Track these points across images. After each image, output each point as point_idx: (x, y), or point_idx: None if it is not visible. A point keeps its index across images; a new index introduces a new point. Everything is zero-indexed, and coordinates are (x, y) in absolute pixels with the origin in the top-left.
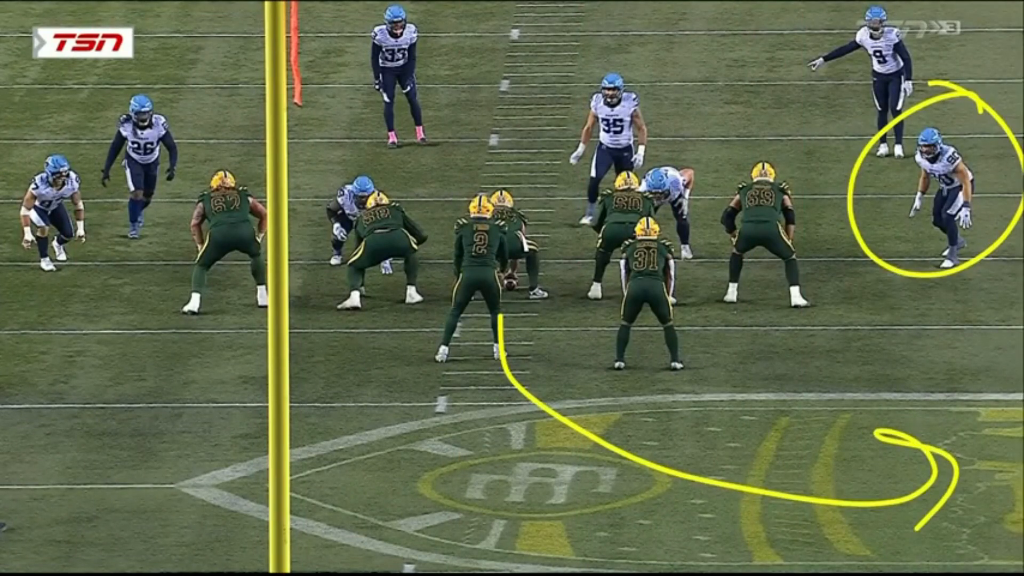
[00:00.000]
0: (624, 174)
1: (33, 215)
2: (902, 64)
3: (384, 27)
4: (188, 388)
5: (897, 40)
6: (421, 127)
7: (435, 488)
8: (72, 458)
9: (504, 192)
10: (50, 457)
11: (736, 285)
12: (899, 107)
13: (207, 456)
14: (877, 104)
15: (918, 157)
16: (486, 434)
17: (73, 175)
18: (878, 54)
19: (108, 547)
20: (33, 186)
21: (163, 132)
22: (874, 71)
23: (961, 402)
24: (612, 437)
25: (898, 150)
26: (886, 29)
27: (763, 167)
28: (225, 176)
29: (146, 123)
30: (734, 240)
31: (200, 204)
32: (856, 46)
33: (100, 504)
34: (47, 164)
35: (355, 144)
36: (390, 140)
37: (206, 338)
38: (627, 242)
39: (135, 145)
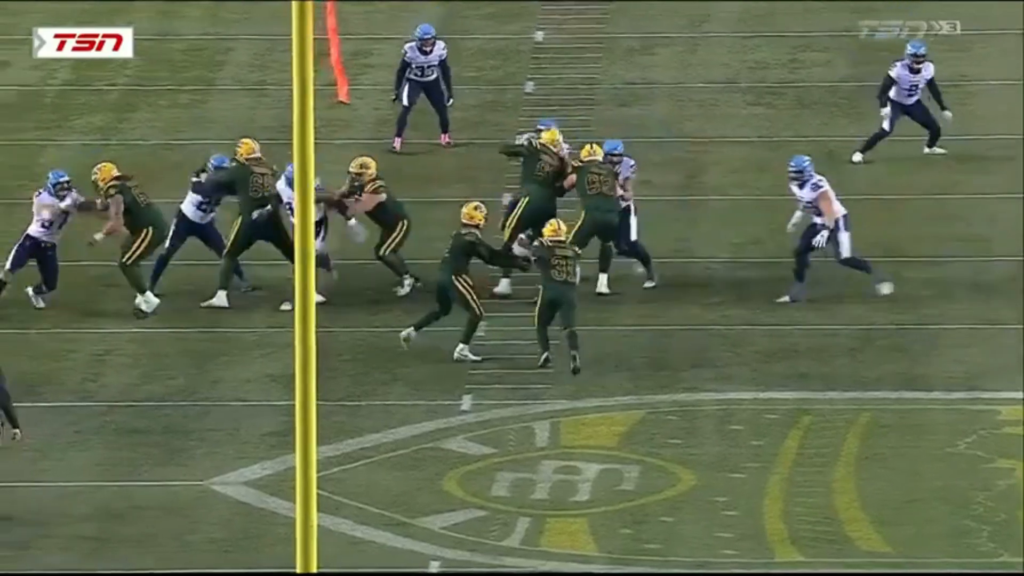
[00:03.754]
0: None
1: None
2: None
3: (414, 44)
4: (216, 386)
5: (931, 75)
6: (447, 134)
7: (460, 486)
8: (101, 455)
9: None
10: (80, 454)
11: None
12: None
13: (235, 454)
14: (887, 126)
15: (789, 182)
16: (511, 432)
17: (74, 190)
18: (913, 88)
19: (137, 544)
20: (37, 194)
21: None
22: (894, 100)
23: (981, 400)
24: (637, 436)
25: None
26: (924, 64)
27: (592, 147)
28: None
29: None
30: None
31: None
32: (892, 82)
33: (129, 501)
34: (48, 178)
35: (381, 145)
36: (395, 144)
37: (234, 337)
38: (541, 241)
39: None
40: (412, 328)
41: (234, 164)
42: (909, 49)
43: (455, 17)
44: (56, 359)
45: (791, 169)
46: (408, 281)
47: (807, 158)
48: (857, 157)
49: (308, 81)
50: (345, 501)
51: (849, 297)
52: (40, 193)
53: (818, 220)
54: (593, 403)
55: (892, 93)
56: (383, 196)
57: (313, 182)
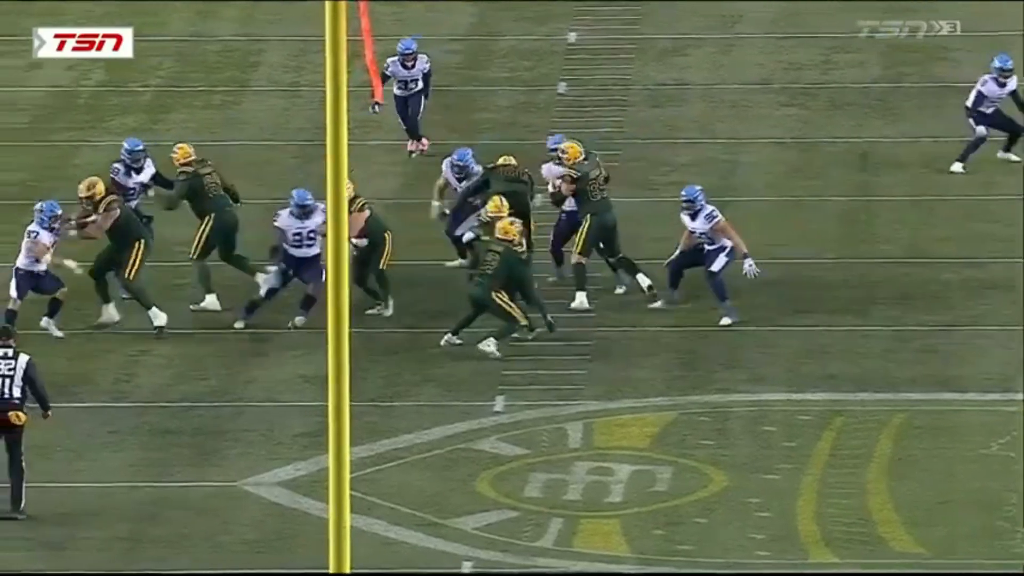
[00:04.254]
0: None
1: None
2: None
3: (396, 59)
4: (249, 387)
5: (1015, 87)
6: (419, 141)
7: (493, 486)
8: (136, 456)
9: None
10: (114, 455)
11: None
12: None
13: (268, 454)
14: (983, 132)
15: (681, 212)
16: (544, 433)
17: (150, 160)
18: (999, 99)
19: (171, 544)
20: (33, 234)
21: None
22: (979, 110)
23: (1016, 402)
24: (669, 437)
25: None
26: (1010, 76)
27: (573, 145)
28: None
29: (139, 164)
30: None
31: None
32: (983, 97)
33: (163, 502)
34: (40, 210)
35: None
36: (413, 145)
37: (267, 337)
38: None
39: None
40: (450, 334)
41: (182, 175)
42: (996, 63)
43: (488, 18)
44: (91, 359)
45: (683, 198)
46: (388, 311)
47: (699, 188)
48: (956, 167)
49: (342, 82)
50: (378, 502)
51: (883, 299)
52: (36, 233)
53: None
54: (626, 404)
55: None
56: (367, 212)
57: (346, 184)
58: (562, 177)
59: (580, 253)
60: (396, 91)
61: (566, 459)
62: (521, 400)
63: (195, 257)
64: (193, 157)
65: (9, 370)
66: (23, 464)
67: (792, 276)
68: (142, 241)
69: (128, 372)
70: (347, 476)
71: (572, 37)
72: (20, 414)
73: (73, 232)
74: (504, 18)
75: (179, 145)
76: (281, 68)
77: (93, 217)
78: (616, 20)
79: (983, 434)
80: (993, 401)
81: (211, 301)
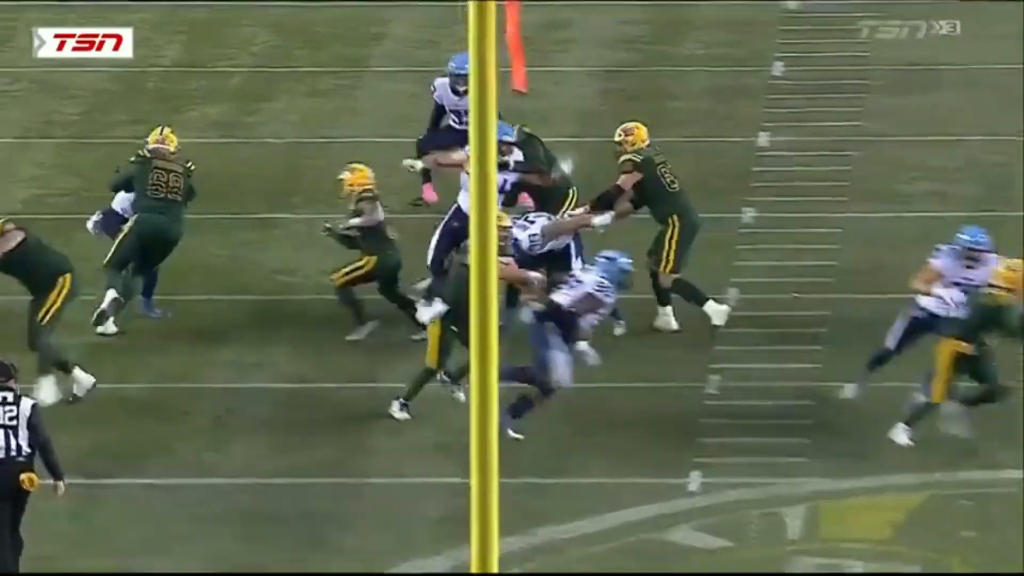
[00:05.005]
0: None
1: None
2: None
3: (446, 81)
4: (371, 459)
5: None
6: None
7: None
8: (224, 549)
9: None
10: (196, 548)
11: None
12: None
13: (395, 545)
14: None
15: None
16: (753, 519)
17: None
18: None
19: None
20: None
21: None
22: None
23: None
24: (914, 525)
25: None
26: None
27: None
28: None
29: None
30: None
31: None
32: None
33: None
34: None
35: (589, 145)
36: (426, 196)
37: (391, 392)
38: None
39: None
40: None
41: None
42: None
43: None
44: (166, 422)
45: (967, 244)
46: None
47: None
48: None
49: (488, 63)
50: None
51: None
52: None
53: None
54: (866, 483)
55: None
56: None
57: (495, 193)
58: (621, 164)
59: (672, 271)
60: (451, 123)
61: (783, 554)
62: (723, 476)
63: (107, 264)
64: (165, 144)
65: (11, 419)
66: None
67: None
68: (65, 278)
69: (214, 438)
70: (495, 572)
71: (792, 3)
72: (33, 477)
73: None
74: None
75: (356, 166)
76: (409, 43)
77: None
78: None
79: None
80: None
81: (107, 298)
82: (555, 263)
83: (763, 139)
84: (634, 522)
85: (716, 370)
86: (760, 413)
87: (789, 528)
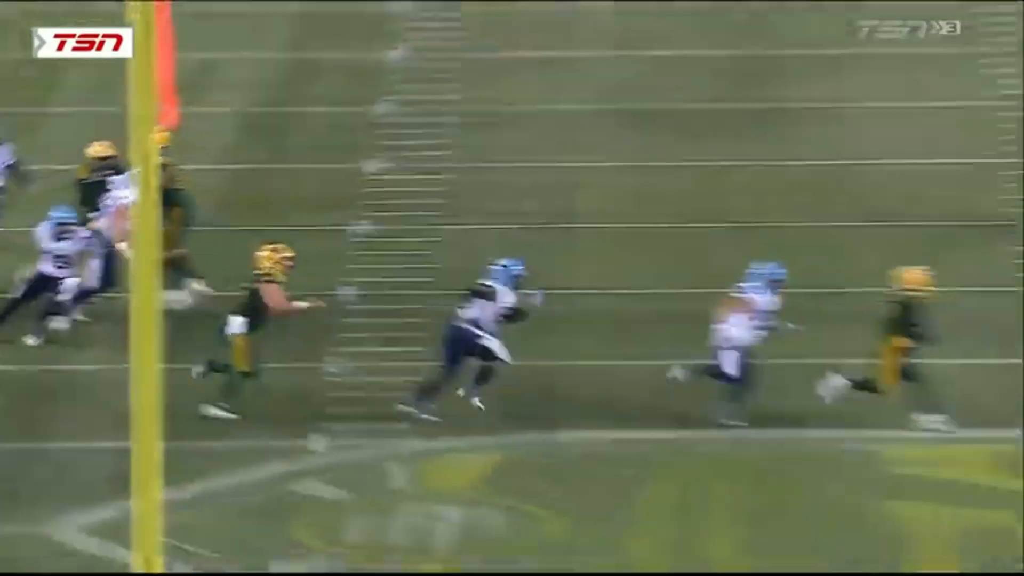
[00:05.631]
0: None
1: None
2: None
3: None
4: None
5: None
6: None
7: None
8: None
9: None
10: None
11: None
12: None
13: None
14: None
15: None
16: (365, 473)
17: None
18: None
19: None
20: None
21: None
22: None
23: None
24: (497, 477)
25: None
26: None
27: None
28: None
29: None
30: None
31: None
32: None
33: None
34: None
35: (221, 171)
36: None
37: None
38: None
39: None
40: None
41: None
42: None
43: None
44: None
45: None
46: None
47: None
48: None
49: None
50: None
51: None
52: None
53: None
54: (451, 444)
55: None
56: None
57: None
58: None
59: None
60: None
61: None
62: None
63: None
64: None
65: None
66: None
67: None
68: None
69: None
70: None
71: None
72: None
73: None
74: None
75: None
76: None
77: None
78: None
79: None
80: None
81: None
82: None
83: (371, 165)
84: (269, 477)
85: (338, 354)
86: (373, 388)
87: (395, 479)
